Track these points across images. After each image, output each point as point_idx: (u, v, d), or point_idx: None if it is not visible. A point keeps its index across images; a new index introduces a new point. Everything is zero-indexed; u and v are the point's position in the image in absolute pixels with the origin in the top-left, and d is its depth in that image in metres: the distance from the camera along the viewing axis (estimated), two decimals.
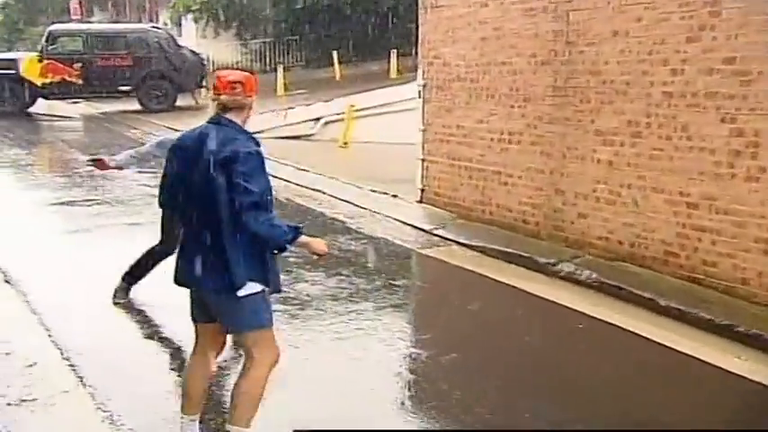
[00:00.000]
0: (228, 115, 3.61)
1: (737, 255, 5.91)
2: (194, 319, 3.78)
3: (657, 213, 6.50)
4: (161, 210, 4.57)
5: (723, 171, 5.98)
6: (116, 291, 6.04)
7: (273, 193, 3.59)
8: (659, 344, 5.30)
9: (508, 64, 7.98)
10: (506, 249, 7.42)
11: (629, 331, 5.53)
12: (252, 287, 3.52)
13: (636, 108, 6.62)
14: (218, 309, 3.64)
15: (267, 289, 3.62)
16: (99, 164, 6.05)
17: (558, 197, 7.49)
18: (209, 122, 3.68)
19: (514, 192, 8.01)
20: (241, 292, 3.49)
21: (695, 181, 6.17)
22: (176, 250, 3.90)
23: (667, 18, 6.30)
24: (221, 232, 3.47)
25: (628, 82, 6.67)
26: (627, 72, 6.67)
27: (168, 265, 6.55)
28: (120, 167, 6.10)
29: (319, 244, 3.83)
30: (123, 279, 6.07)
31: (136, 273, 6.08)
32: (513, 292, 6.49)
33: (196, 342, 3.85)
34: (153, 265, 5.99)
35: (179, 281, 3.75)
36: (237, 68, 25.82)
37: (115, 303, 5.98)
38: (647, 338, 5.40)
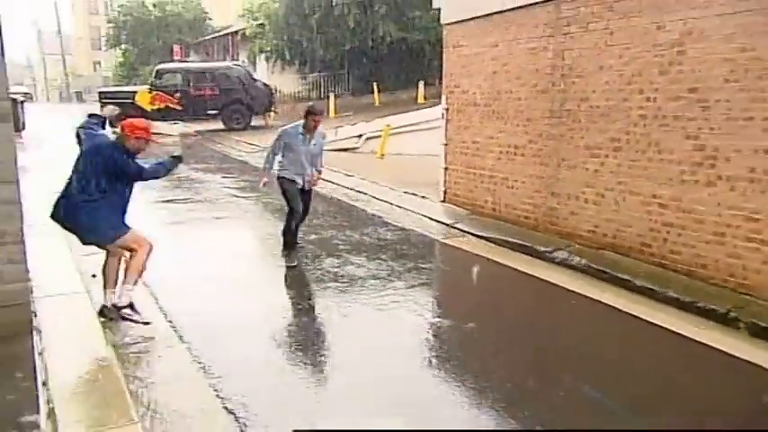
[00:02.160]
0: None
1: (698, 245, 5.79)
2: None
3: (634, 212, 6.40)
4: None
5: (687, 178, 5.86)
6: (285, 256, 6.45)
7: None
8: (635, 316, 5.23)
9: (514, 92, 7.91)
10: (512, 240, 7.38)
11: (610, 306, 5.47)
12: None
13: (617, 127, 6.52)
14: None
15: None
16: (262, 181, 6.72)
17: (554, 198, 7.41)
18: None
19: (518, 194, 7.95)
20: None
21: (664, 186, 6.06)
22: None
23: (643, 56, 6.18)
24: None
25: (610, 107, 6.57)
26: (610, 99, 6.57)
27: (253, 250, 6.67)
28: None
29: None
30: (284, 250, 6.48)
31: (288, 241, 6.45)
32: (517, 274, 6.44)
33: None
34: (296, 229, 6.50)
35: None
36: (299, 97, 25.90)
37: (289, 267, 6.30)
38: (626, 312, 5.33)
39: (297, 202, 6.54)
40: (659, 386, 4.06)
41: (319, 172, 6.76)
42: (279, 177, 6.60)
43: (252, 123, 20.83)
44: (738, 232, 5.44)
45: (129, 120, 4.94)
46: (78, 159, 4.78)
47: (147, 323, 4.78)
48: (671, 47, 5.89)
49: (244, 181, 11.69)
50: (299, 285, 6.10)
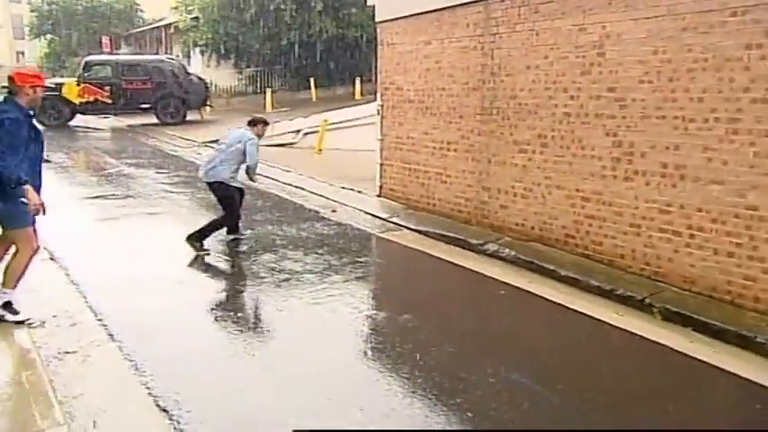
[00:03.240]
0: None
1: (617, 236, 6.06)
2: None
3: (559, 205, 6.62)
4: None
5: (607, 173, 6.11)
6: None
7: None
8: (560, 304, 5.41)
9: (447, 89, 8.03)
10: (445, 233, 7.48)
11: (537, 295, 5.64)
12: None
13: (544, 125, 6.72)
14: None
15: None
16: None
17: (485, 192, 7.58)
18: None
19: (452, 188, 8.09)
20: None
21: (587, 180, 6.30)
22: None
23: (566, 57, 6.40)
24: None
25: (537, 104, 6.77)
26: (537, 97, 6.77)
27: (187, 246, 6.59)
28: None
29: (34, 197, 4.46)
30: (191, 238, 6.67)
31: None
32: (451, 266, 6.54)
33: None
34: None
35: None
36: (235, 91, 25.49)
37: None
38: (552, 300, 5.51)
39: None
40: (582, 369, 4.26)
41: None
42: (234, 186, 6.90)
43: (187, 118, 20.32)
44: (653, 224, 5.74)
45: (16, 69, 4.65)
46: None
47: (24, 321, 4.56)
48: (592, 48, 6.12)
49: (177, 176, 11.41)
50: (234, 281, 6.04)
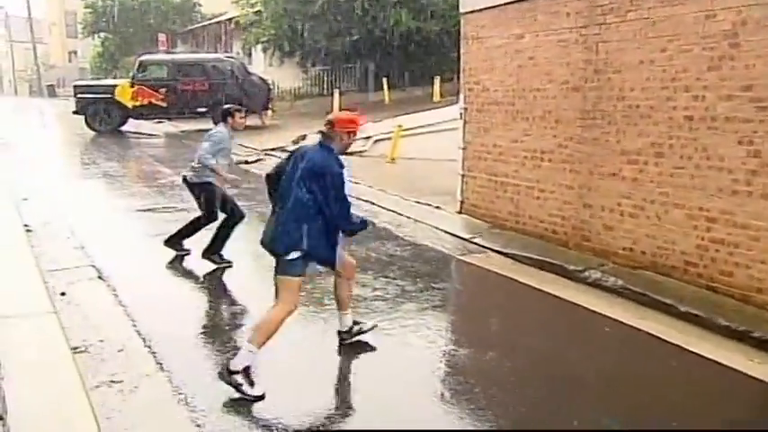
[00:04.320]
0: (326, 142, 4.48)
1: (753, 266, 5.74)
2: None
3: (677, 226, 6.36)
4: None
5: (740, 188, 5.82)
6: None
7: None
8: (679, 346, 5.17)
9: (542, 90, 7.91)
10: (538, 257, 7.35)
11: (650, 334, 5.42)
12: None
13: (659, 130, 6.49)
14: None
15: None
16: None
17: (586, 210, 7.39)
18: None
19: (545, 205, 7.94)
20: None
21: (714, 197, 6.03)
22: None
23: (690, 49, 6.16)
24: None
25: (652, 106, 6.55)
26: (651, 98, 6.56)
27: (246, 267, 6.73)
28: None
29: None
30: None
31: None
32: (544, 297, 6.40)
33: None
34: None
35: None
36: (299, 93, 25.94)
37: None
38: (668, 341, 5.28)
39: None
40: (706, 429, 4.00)
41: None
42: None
43: (247, 123, 20.90)
44: None
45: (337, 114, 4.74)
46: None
47: (261, 396, 4.14)
48: (722, 39, 5.87)
49: (235, 187, 11.70)
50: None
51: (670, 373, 4.87)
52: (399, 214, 9.60)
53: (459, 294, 6.91)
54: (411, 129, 14.98)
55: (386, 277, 6.72)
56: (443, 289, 6.74)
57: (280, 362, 4.64)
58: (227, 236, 7.03)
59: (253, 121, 21.11)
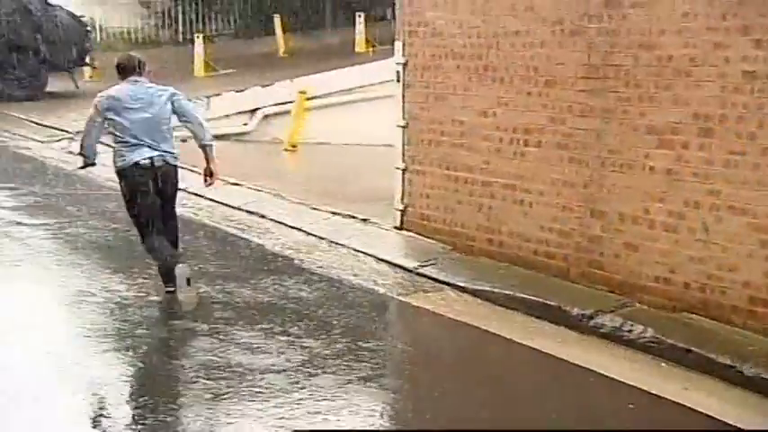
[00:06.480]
0: None
1: None
2: None
3: (738, 243, 6.50)
4: None
5: None
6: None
7: None
8: (745, 431, 5.28)
9: (523, 34, 8.02)
10: (523, 296, 7.45)
11: (698, 412, 5.51)
12: None
13: (705, 95, 6.64)
14: None
15: None
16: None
17: (596, 221, 7.50)
18: None
19: (534, 213, 8.03)
20: None
21: None
22: None
23: None
24: None
25: (693, 58, 6.69)
26: (691, 45, 6.70)
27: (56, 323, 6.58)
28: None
29: None
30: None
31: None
32: (535, 358, 6.51)
33: None
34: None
35: None
36: (138, 39, 25.77)
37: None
38: (731, 425, 5.37)
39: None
40: None
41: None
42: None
43: (48, 88, 20.50)
44: None
45: None
46: None
47: None
48: None
49: (33, 195, 11.57)
50: (141, 389, 5.98)
51: None
52: (306, 233, 9.65)
53: (402, 359, 6.90)
54: (321, 97, 15.15)
55: (286, 334, 6.73)
56: (377, 351, 6.73)
57: None
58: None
59: (61, 83, 20.74)
